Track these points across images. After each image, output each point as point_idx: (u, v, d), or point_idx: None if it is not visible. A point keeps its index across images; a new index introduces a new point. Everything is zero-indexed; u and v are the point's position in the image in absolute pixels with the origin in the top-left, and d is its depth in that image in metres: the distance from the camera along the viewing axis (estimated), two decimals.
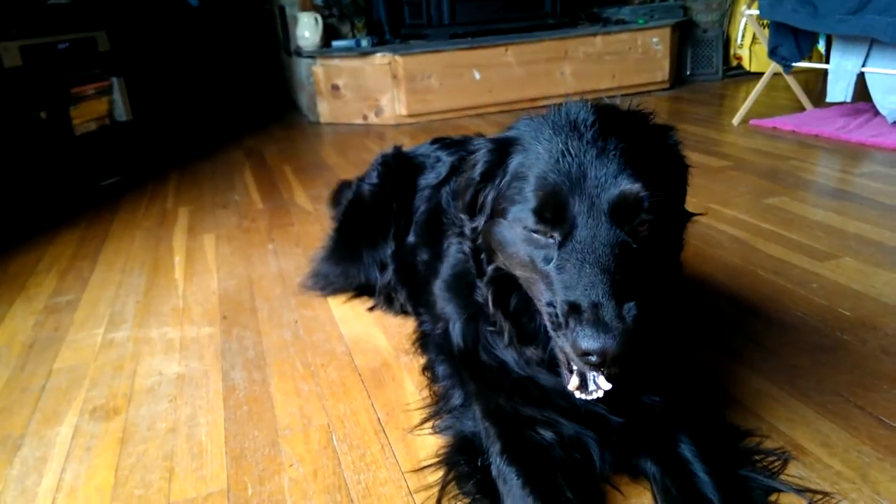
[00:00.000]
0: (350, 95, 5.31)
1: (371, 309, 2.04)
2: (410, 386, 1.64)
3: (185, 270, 2.49)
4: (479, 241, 1.15)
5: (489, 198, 1.10)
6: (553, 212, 0.97)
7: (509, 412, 1.21)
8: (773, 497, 1.18)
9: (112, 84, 4.00)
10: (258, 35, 7.02)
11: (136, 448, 1.50)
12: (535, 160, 1.02)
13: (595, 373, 1.00)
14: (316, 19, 5.36)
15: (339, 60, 5.24)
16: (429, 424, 1.45)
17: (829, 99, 3.76)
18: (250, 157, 4.33)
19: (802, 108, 4.28)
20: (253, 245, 2.69)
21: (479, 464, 1.23)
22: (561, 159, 0.98)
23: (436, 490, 1.25)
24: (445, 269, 1.43)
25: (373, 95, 5.23)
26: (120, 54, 4.11)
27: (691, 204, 1.22)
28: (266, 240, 2.75)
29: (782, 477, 1.22)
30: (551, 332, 0.99)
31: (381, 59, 5.11)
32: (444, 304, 1.35)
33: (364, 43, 5.30)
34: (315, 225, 2.85)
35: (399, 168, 1.95)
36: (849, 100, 3.70)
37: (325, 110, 5.42)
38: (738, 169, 3.22)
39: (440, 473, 1.29)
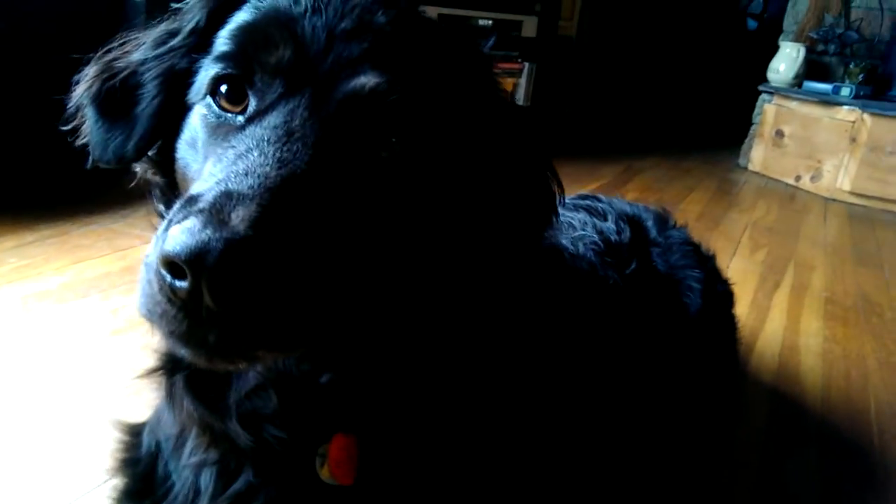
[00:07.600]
0: (792, 147, 4.29)
1: None
2: None
3: None
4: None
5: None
6: (246, 61, 0.61)
7: None
8: None
9: (524, 69, 4.12)
10: (730, 58, 6.23)
11: None
12: (260, 7, 0.65)
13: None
14: (798, 52, 4.40)
15: (797, 104, 4.26)
16: None
17: None
18: (630, 182, 3.89)
19: None
20: None
21: None
22: (302, 12, 0.62)
23: None
24: None
25: (817, 155, 4.11)
26: (543, 43, 4.18)
27: None
28: None
29: None
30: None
31: (844, 113, 3.93)
32: None
33: (844, 91, 4.11)
34: None
35: None
36: None
37: (758, 157, 4.54)
38: None
39: None
